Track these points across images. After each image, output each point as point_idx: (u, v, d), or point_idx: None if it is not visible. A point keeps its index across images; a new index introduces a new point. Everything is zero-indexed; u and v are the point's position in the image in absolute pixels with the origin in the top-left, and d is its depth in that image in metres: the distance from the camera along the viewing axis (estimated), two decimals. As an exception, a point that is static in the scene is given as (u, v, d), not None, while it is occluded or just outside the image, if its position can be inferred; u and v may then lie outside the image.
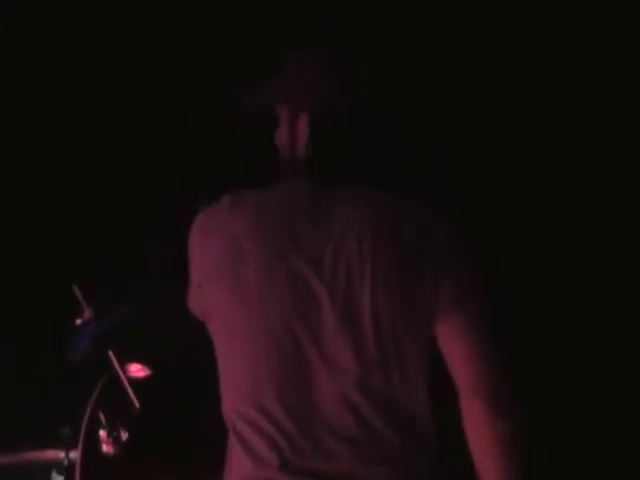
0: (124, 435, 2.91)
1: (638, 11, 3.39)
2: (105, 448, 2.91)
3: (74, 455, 3.03)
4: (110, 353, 2.97)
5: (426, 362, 1.97)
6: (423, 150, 3.38)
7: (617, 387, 3.44)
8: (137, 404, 2.93)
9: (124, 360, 3.01)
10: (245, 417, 1.91)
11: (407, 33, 3.48)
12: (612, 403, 3.45)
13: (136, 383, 2.98)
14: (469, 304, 1.97)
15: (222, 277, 1.92)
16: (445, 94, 3.51)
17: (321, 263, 1.89)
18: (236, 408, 1.93)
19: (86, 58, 3.72)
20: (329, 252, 1.90)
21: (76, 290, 3.01)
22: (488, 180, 3.46)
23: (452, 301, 1.94)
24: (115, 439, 2.90)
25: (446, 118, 3.50)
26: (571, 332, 3.46)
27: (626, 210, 3.46)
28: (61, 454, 3.11)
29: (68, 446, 3.08)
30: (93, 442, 2.93)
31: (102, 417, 2.91)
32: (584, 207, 3.46)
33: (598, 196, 3.47)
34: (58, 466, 3.11)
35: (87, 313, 3.00)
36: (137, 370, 3.02)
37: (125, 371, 2.99)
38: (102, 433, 2.91)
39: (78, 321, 3.00)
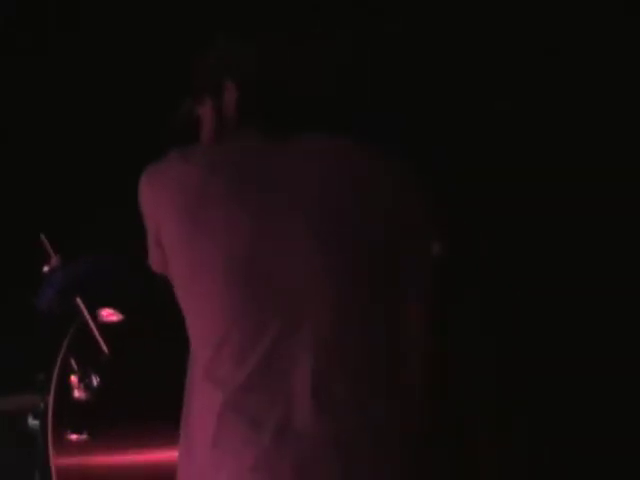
0: (95, 380, 2.91)
1: (638, 11, 3.38)
2: (77, 393, 2.90)
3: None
4: (78, 300, 2.96)
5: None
6: (423, 150, 3.38)
7: (617, 387, 3.44)
8: (106, 350, 2.92)
9: (94, 306, 3.00)
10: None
11: (407, 33, 3.48)
12: (611, 403, 3.45)
13: (108, 328, 2.98)
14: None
15: (178, 225, 1.91)
16: (445, 94, 3.51)
17: (292, 202, 1.89)
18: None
19: (85, 57, 3.73)
20: (299, 192, 1.90)
21: (43, 238, 3.00)
22: (488, 180, 3.46)
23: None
24: (86, 385, 2.90)
25: (446, 118, 3.50)
26: (571, 332, 3.46)
27: (626, 210, 3.46)
28: (37, 399, 3.12)
29: (43, 391, 3.08)
30: (65, 388, 2.93)
31: (73, 363, 2.91)
32: (584, 207, 3.46)
33: (598, 196, 3.46)
34: (34, 411, 3.12)
35: (54, 261, 2.98)
36: (109, 315, 3.01)
37: (96, 316, 2.97)
38: (73, 379, 2.90)
39: (45, 269, 2.99)
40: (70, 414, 2.93)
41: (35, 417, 3.10)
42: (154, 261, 2.01)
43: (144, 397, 2.92)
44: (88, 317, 2.94)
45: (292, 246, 1.87)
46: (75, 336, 2.99)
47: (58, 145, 3.75)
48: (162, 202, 1.92)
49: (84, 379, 2.89)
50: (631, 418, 3.44)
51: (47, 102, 3.75)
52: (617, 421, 3.44)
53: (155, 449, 2.88)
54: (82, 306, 2.95)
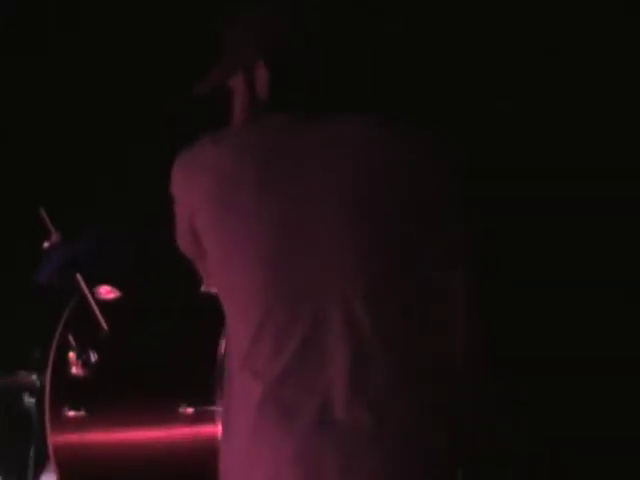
0: (93, 357, 2.91)
1: (638, 11, 3.39)
2: (74, 370, 2.90)
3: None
4: (78, 276, 2.96)
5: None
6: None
7: (617, 387, 3.44)
8: (105, 326, 2.93)
9: (93, 282, 3.00)
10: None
11: (407, 33, 3.49)
12: (611, 403, 3.44)
13: (106, 305, 2.98)
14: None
15: (211, 210, 1.89)
16: (444, 94, 3.51)
17: (324, 187, 1.88)
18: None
19: (85, 57, 3.74)
20: (331, 178, 1.88)
21: (43, 214, 3.00)
22: (488, 180, 3.46)
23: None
24: (84, 361, 2.90)
25: (446, 118, 3.50)
26: (570, 332, 3.46)
27: (626, 210, 3.46)
28: (33, 377, 3.12)
29: (40, 368, 3.08)
30: (62, 364, 2.93)
31: (71, 339, 2.90)
32: (584, 207, 3.46)
33: (598, 196, 3.47)
34: (30, 389, 3.12)
35: (54, 237, 2.98)
36: (107, 292, 3.02)
37: (94, 293, 2.98)
38: (71, 355, 2.90)
39: (45, 245, 2.99)
40: (67, 391, 2.93)
41: (31, 395, 3.11)
42: (184, 245, 2.01)
43: (142, 374, 2.92)
44: (88, 293, 2.94)
45: (322, 232, 1.87)
46: (73, 313, 3.00)
47: (59, 137, 3.77)
48: (195, 187, 1.91)
49: (82, 356, 2.89)
50: (631, 418, 3.44)
51: (47, 102, 3.76)
52: (617, 421, 3.44)
53: (152, 426, 2.89)
54: (82, 282, 2.95)
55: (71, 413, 2.91)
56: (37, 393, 3.10)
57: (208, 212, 1.90)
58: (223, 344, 2.81)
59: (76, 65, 3.75)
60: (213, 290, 2.94)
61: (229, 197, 1.88)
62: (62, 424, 2.92)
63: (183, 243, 2.01)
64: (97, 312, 2.92)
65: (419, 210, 1.91)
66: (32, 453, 3.12)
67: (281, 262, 1.87)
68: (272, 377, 1.87)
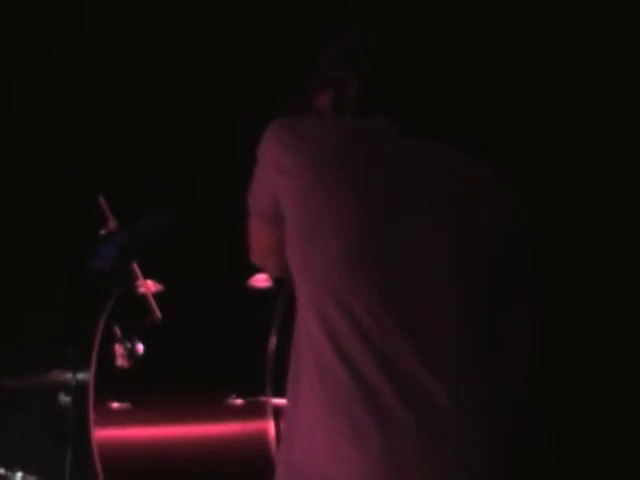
0: (140, 349, 2.89)
1: (638, 10, 3.40)
2: (120, 362, 2.88)
3: (82, 376, 3.02)
4: (134, 264, 2.98)
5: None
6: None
7: (617, 387, 3.45)
8: (159, 313, 2.92)
9: (143, 273, 3.02)
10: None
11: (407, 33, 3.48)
12: (612, 403, 3.45)
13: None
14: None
15: (312, 176, 1.92)
16: (445, 94, 3.51)
17: (417, 191, 1.94)
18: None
19: (87, 57, 3.75)
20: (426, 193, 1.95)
21: (101, 201, 3.02)
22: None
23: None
24: (130, 353, 2.88)
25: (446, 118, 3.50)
26: (571, 333, 3.46)
27: (626, 210, 3.47)
28: (68, 375, 3.12)
29: (75, 366, 3.07)
30: (107, 356, 2.91)
31: (117, 330, 2.90)
32: (584, 207, 3.47)
33: (598, 196, 3.47)
34: (66, 387, 3.12)
35: (112, 224, 3.00)
36: (150, 286, 3.04)
37: (138, 287, 2.99)
38: (117, 346, 2.88)
39: (102, 232, 3.00)
40: (112, 383, 2.91)
41: (67, 393, 3.09)
42: (257, 204, 2.03)
43: (188, 366, 2.90)
44: (142, 281, 2.96)
45: (408, 230, 1.92)
46: (118, 305, 2.99)
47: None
48: (296, 153, 1.93)
49: (128, 347, 2.87)
50: (631, 418, 3.44)
51: (47, 101, 3.78)
52: (617, 421, 3.45)
53: (200, 418, 2.85)
54: (137, 270, 2.97)
55: (116, 405, 2.88)
56: (73, 391, 3.07)
57: (304, 180, 1.92)
58: (273, 340, 2.80)
59: (78, 65, 3.76)
60: (260, 283, 2.96)
61: (330, 171, 1.91)
62: (106, 416, 2.89)
63: (257, 203, 2.02)
64: (151, 300, 2.92)
65: (495, 258, 2.00)
66: (68, 453, 3.09)
67: (364, 244, 1.89)
68: (353, 358, 1.86)
